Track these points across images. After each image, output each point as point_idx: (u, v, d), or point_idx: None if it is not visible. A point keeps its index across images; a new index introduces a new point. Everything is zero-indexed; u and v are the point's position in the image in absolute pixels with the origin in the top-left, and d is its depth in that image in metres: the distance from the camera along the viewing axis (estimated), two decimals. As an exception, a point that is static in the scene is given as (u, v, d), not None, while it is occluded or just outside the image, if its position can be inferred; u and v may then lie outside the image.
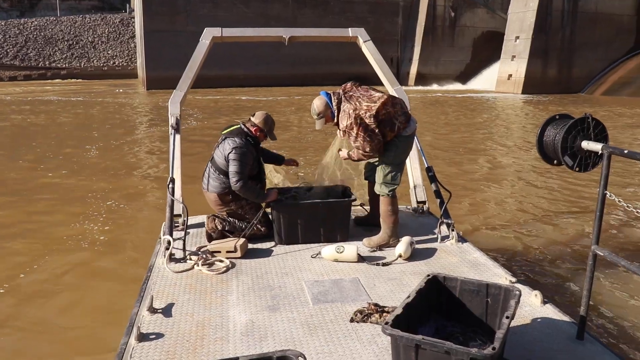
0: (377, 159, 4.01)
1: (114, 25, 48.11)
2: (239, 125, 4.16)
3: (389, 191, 3.93)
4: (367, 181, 4.31)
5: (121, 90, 32.14)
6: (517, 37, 31.29)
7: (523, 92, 30.22)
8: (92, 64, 45.27)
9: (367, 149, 3.79)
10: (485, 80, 34.82)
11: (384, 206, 3.96)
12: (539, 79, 30.66)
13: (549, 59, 30.91)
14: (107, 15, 48.88)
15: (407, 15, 38.62)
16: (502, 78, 32.35)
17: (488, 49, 36.62)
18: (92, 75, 43.58)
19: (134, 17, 46.37)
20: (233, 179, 3.93)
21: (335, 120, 3.91)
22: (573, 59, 31.32)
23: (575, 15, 30.85)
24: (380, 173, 3.97)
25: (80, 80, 41.82)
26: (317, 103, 3.92)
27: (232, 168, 3.94)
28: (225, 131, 4.16)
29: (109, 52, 46.54)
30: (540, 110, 22.68)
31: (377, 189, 3.99)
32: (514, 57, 31.42)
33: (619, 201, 2.52)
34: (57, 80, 41.62)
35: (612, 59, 31.71)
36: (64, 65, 44.64)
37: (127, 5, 49.59)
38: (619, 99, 27.67)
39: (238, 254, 3.72)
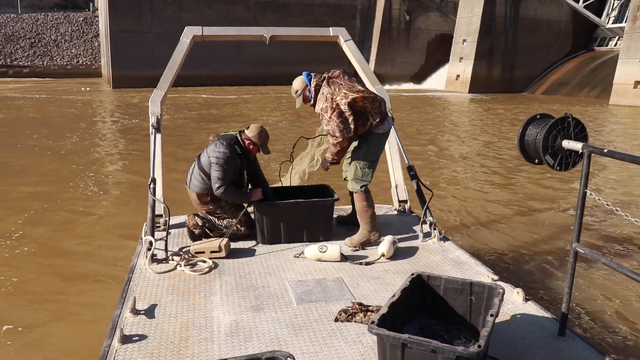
0: (350, 155, 3.90)
1: (77, 24, 46.04)
2: (235, 133, 3.99)
3: (360, 187, 3.84)
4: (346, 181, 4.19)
5: (88, 89, 30.87)
6: (465, 40, 31.93)
7: (470, 92, 30.91)
8: (55, 63, 43.24)
9: (337, 134, 3.70)
10: (437, 81, 35.37)
11: (358, 202, 3.88)
12: (484, 79, 31.41)
13: (494, 60, 31.70)
14: (70, 14, 46.65)
15: (364, 18, 38.71)
16: (451, 78, 33.00)
17: (441, 50, 37.07)
18: (55, 74, 41.64)
19: (97, 16, 44.61)
20: (215, 184, 3.79)
21: (312, 102, 3.83)
22: (515, 61, 32.20)
23: (516, 20, 31.72)
24: (351, 170, 3.89)
25: (45, 79, 39.92)
26: (296, 83, 3.87)
27: (214, 174, 3.79)
28: (221, 134, 4.01)
29: (72, 50, 44.55)
30: (485, 108, 23.09)
31: (349, 185, 3.92)
32: (461, 58, 32.08)
33: (598, 199, 2.48)
34: (22, 78, 39.59)
35: (551, 61, 32.74)
36: (26, 64, 42.47)
37: (91, 4, 47.59)
38: (557, 97, 28.76)
39: (223, 253, 3.55)
